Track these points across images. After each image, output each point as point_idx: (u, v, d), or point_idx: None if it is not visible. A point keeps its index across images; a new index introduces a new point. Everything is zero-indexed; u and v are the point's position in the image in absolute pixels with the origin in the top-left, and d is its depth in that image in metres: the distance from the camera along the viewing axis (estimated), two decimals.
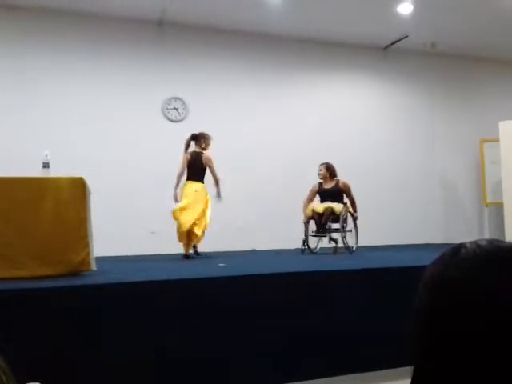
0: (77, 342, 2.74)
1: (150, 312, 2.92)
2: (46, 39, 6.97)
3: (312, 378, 3.10)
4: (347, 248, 6.11)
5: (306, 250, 6.21)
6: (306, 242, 6.21)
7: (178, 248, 6.97)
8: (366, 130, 8.28)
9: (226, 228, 7.33)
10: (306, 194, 6.57)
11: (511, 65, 9.25)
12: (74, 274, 3.45)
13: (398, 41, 8.19)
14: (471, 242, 0.69)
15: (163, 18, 7.23)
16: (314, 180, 6.56)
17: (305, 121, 7.99)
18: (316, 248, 6.37)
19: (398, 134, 8.50)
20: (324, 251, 6.27)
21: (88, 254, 3.58)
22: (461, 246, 0.70)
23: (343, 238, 6.08)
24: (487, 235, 8.32)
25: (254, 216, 7.42)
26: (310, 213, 6.26)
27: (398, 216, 8.21)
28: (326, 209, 6.14)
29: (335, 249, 6.09)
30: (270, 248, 7.09)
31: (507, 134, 7.81)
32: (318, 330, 3.19)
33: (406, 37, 7.99)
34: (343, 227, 6.17)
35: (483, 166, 8.70)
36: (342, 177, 6.58)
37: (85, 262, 3.54)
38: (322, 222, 6.16)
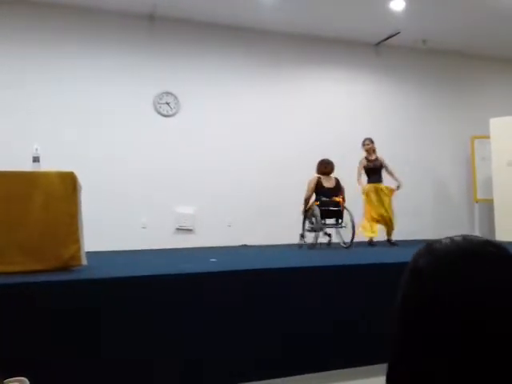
0: (67, 338, 2.73)
1: (141, 306, 2.92)
2: (35, 34, 6.90)
3: (303, 373, 3.12)
4: (345, 243, 6.22)
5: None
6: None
7: (169, 243, 6.99)
8: (356, 127, 8.28)
9: (217, 223, 7.35)
10: (294, 191, 6.59)
11: (502, 61, 9.30)
12: (65, 268, 3.43)
13: (389, 37, 8.21)
14: (446, 238, 0.70)
15: (154, 13, 7.19)
16: (303, 176, 6.52)
17: (295, 117, 7.99)
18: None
19: (389, 131, 8.52)
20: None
21: (78, 248, 3.56)
22: (435, 241, 0.70)
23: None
24: (477, 232, 8.37)
25: (244, 211, 7.43)
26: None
27: None
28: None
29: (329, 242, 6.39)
30: (261, 243, 7.11)
31: (498, 131, 7.86)
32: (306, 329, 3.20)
33: (398, 33, 8.01)
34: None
35: (474, 162, 8.75)
36: (334, 173, 6.59)
37: (75, 256, 3.52)
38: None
